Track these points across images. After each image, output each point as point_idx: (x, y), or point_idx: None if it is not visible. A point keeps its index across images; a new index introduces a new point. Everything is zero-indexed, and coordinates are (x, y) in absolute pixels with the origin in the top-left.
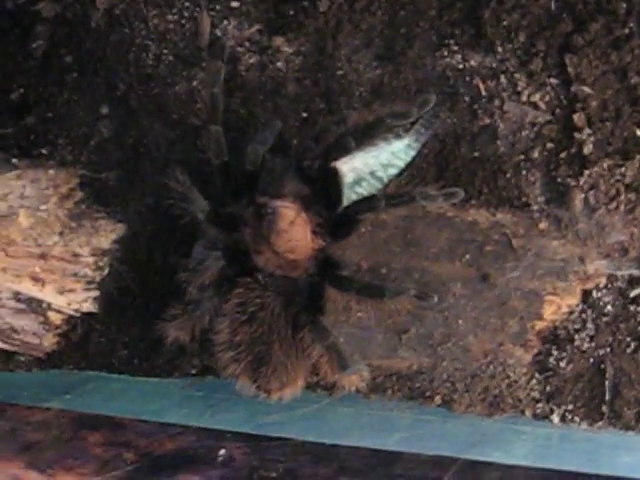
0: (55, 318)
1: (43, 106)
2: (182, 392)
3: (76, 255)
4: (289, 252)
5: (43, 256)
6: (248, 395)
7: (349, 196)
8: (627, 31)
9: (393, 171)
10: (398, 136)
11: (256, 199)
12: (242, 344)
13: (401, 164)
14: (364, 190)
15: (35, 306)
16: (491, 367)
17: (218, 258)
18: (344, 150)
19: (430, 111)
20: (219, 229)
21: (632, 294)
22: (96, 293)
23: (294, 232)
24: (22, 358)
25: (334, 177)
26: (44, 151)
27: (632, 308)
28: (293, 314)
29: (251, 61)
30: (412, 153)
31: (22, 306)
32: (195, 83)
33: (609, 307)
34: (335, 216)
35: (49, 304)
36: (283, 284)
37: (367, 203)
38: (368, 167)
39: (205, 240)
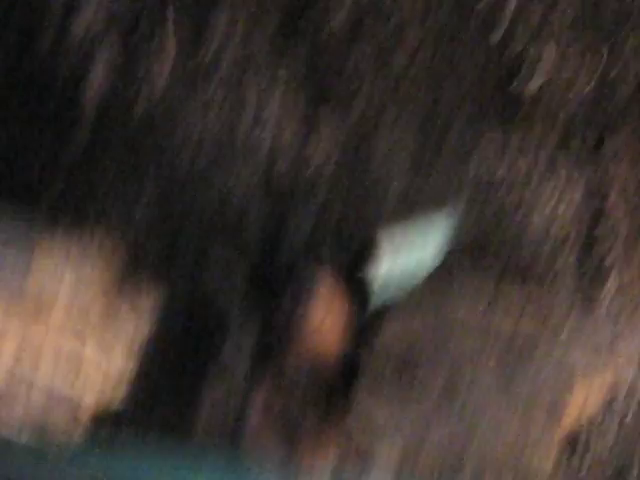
0: (84, 414)
1: (98, 176)
2: None
3: (116, 318)
4: (322, 347)
5: (84, 315)
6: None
7: (381, 297)
8: None
9: (423, 273)
10: (428, 239)
11: (286, 301)
12: (276, 421)
13: (430, 266)
14: (395, 291)
15: (66, 402)
16: (512, 473)
17: (247, 356)
18: (375, 254)
19: (459, 217)
20: (253, 321)
21: None
22: (125, 392)
23: (324, 332)
24: (52, 451)
25: (364, 281)
26: (94, 215)
27: None
28: (320, 414)
29: (286, 165)
30: (440, 257)
31: (54, 400)
32: (240, 170)
33: (630, 416)
34: (369, 316)
35: (79, 401)
36: (313, 385)
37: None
38: (399, 269)
39: (236, 337)
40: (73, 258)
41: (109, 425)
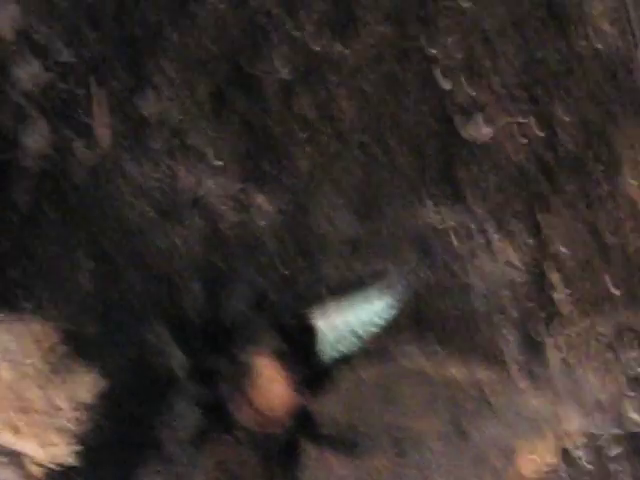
0: (37, 471)
1: (28, 260)
2: None
3: (58, 409)
4: (268, 409)
5: (25, 410)
6: None
7: (330, 354)
8: (601, 191)
9: (373, 329)
10: (379, 294)
11: (235, 356)
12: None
13: (381, 322)
14: (344, 348)
15: (16, 459)
16: None
17: (196, 414)
18: (322, 308)
19: (410, 269)
20: (198, 385)
21: (612, 453)
22: (78, 447)
23: (273, 389)
24: None
25: (312, 334)
26: (28, 305)
27: (612, 467)
28: (271, 470)
29: (232, 219)
30: (392, 311)
31: (3, 459)
32: (176, 239)
33: (589, 466)
34: (314, 373)
35: (31, 458)
36: (262, 440)
37: (345, 361)
38: (349, 326)
39: (184, 395)
40: (10, 353)
41: None
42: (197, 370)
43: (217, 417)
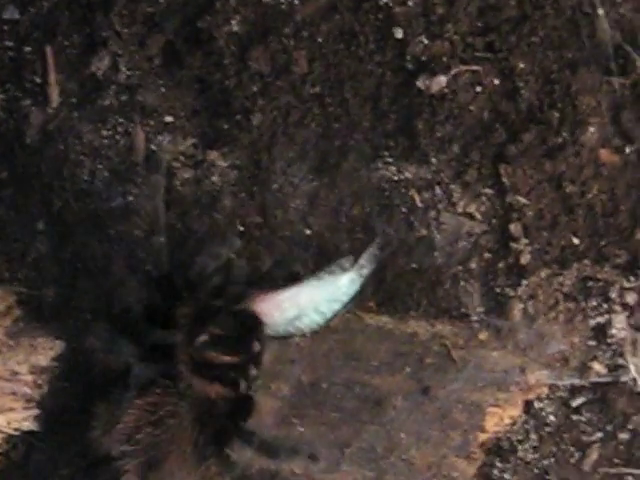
0: None
1: None
2: None
3: (15, 373)
4: (210, 382)
5: None
6: None
7: (288, 331)
8: (560, 140)
9: (336, 306)
10: (343, 270)
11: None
12: (140, 443)
13: (345, 298)
14: (304, 325)
15: None
16: None
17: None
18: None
19: (375, 245)
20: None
21: (574, 404)
22: (36, 411)
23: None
24: None
25: (253, 320)
26: None
27: (574, 418)
28: (201, 435)
29: (186, 175)
30: (356, 287)
31: None
32: (131, 198)
33: (551, 417)
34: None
35: None
36: (199, 400)
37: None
38: (312, 302)
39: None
40: None
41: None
42: (149, 349)
43: (163, 365)
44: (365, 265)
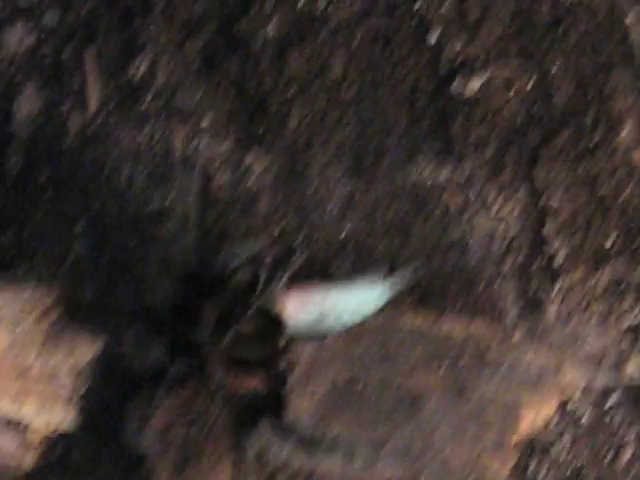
0: (35, 436)
1: (19, 225)
2: None
3: (54, 374)
4: (242, 375)
5: (21, 375)
6: None
7: (311, 331)
8: (594, 142)
9: (362, 313)
10: (375, 280)
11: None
12: (174, 441)
13: (371, 308)
14: (327, 328)
15: (15, 425)
16: (470, 478)
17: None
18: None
19: (412, 266)
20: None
21: (607, 404)
22: (76, 410)
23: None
24: (2, 477)
25: (276, 316)
26: (21, 270)
27: (607, 419)
28: (230, 428)
29: (223, 178)
30: (385, 299)
31: (1, 425)
32: (168, 200)
33: (585, 417)
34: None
35: (29, 422)
36: (232, 397)
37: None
38: (338, 306)
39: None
40: (6, 318)
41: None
42: (180, 346)
43: (195, 369)
44: (398, 282)
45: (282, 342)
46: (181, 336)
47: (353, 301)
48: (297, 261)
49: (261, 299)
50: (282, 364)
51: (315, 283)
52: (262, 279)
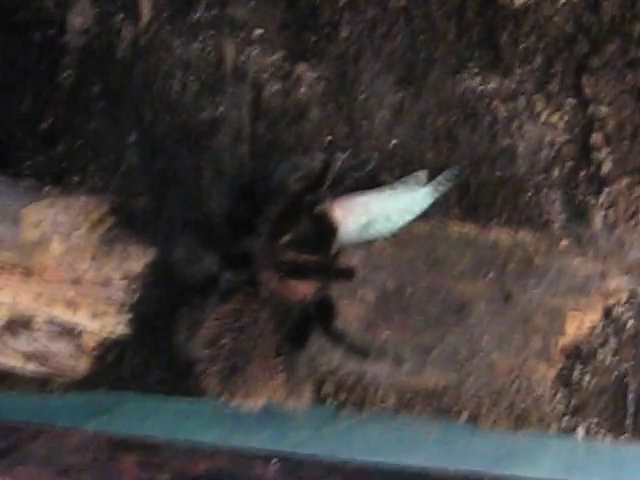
0: (89, 341)
1: (72, 135)
2: (214, 411)
3: (109, 279)
4: (293, 283)
5: (77, 281)
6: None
7: (361, 237)
8: None
9: (408, 217)
10: (419, 182)
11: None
12: (223, 348)
13: (417, 211)
14: (376, 232)
15: (70, 330)
16: (516, 383)
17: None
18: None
19: (456, 166)
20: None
21: None
22: (129, 316)
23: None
24: (58, 381)
25: (329, 222)
26: (75, 179)
27: None
28: (279, 336)
29: (275, 87)
30: (429, 201)
31: (57, 330)
32: (220, 110)
33: (631, 322)
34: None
35: (83, 328)
36: (282, 306)
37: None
38: (384, 211)
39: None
40: (60, 226)
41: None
42: (232, 256)
43: (244, 273)
44: (443, 183)
45: (334, 249)
46: (233, 247)
47: (399, 204)
48: (347, 170)
49: (313, 207)
50: (332, 271)
51: (363, 190)
52: (314, 188)
